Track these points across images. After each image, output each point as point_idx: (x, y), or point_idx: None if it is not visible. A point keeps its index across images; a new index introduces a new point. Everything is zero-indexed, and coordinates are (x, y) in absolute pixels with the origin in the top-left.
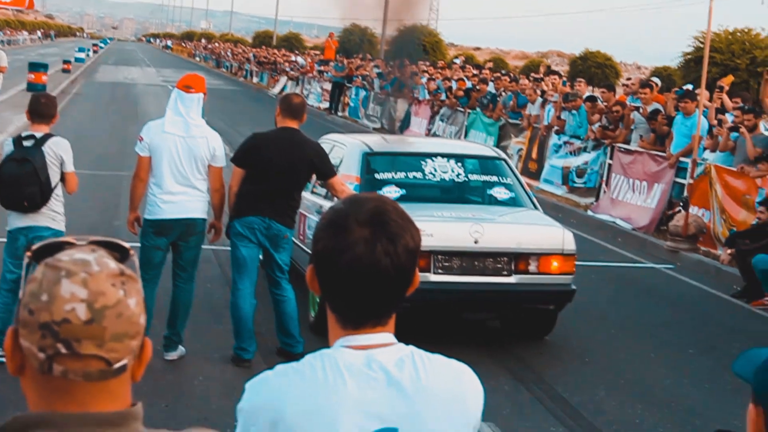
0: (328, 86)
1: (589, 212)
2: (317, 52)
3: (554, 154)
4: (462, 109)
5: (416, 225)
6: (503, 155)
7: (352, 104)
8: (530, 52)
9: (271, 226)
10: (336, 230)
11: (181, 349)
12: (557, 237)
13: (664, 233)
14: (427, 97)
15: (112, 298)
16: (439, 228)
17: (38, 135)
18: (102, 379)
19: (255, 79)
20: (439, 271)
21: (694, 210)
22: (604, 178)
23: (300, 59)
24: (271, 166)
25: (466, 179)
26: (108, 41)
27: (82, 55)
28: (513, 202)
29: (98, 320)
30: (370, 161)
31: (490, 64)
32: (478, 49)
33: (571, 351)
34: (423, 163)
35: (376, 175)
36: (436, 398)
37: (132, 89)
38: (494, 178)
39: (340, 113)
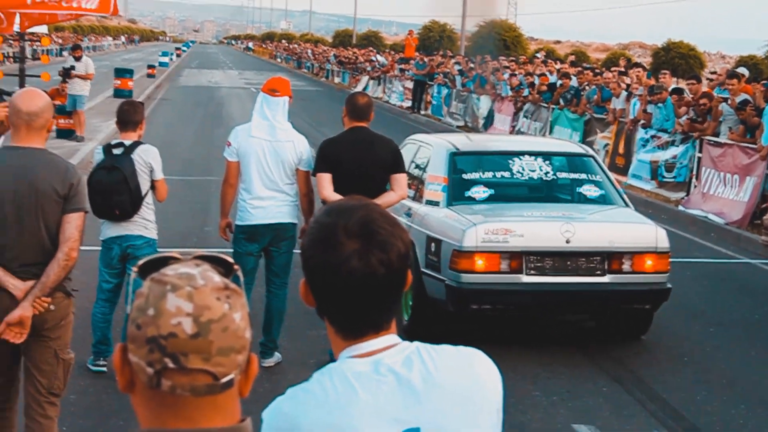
0: (409, 85)
1: (680, 207)
2: (398, 51)
3: (642, 148)
4: (546, 105)
5: (402, 226)
6: (591, 152)
7: (434, 102)
8: (611, 44)
9: None
10: (326, 245)
11: (277, 355)
12: (650, 235)
13: (759, 227)
14: (510, 93)
15: (217, 312)
16: (530, 228)
17: (127, 143)
18: (209, 393)
19: (336, 79)
20: (532, 272)
21: None
22: (694, 172)
23: (381, 58)
24: (350, 170)
25: (555, 177)
26: (190, 44)
27: (165, 59)
28: (603, 200)
29: (204, 334)
30: (457, 161)
31: (572, 58)
32: (558, 42)
33: (668, 350)
34: (510, 161)
35: (464, 176)
36: (451, 390)
37: (216, 92)
38: (583, 176)
39: (422, 112)
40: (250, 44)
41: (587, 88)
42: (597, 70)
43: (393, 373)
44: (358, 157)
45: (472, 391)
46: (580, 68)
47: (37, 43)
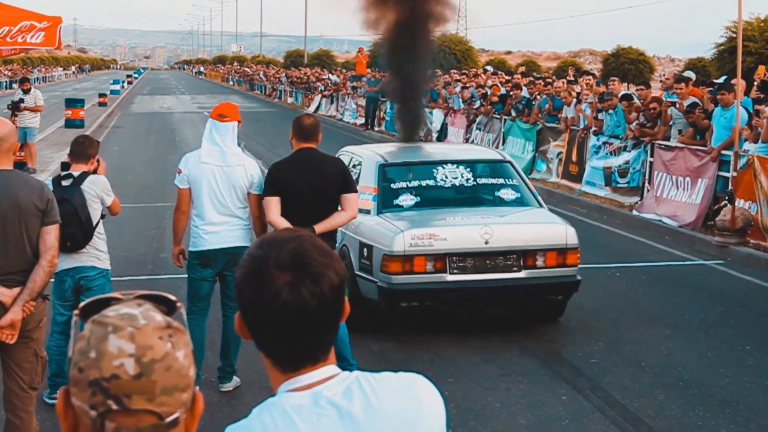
0: (362, 102)
1: (635, 212)
2: (349, 69)
3: (594, 155)
4: (498, 116)
5: (337, 256)
6: (508, 158)
7: (387, 118)
8: (562, 53)
9: None
10: (258, 279)
11: (236, 379)
12: (561, 233)
13: (712, 228)
14: (462, 106)
15: (160, 351)
16: (452, 232)
17: (75, 174)
18: None
19: (290, 99)
20: (455, 271)
21: (740, 203)
22: (647, 177)
23: (333, 76)
24: (300, 191)
25: (475, 183)
26: (141, 71)
27: (117, 87)
28: (520, 202)
29: (147, 374)
30: (386, 172)
31: (522, 69)
32: (509, 53)
33: (625, 355)
34: (434, 170)
35: (392, 185)
36: (393, 418)
37: (168, 118)
38: (501, 180)
39: (376, 128)
40: (202, 68)
41: (538, 97)
42: (548, 80)
43: (333, 405)
44: (307, 178)
45: (414, 417)
46: (530, 78)
47: None
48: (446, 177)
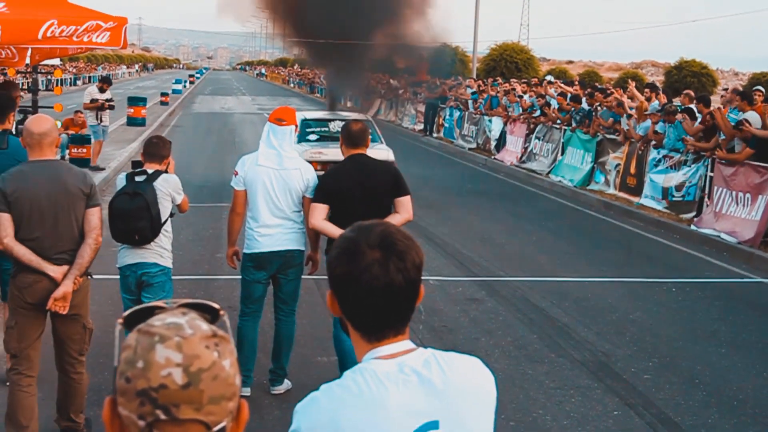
0: (422, 108)
1: (693, 227)
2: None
3: (653, 168)
4: (558, 126)
5: (417, 242)
6: (369, 118)
7: (446, 125)
8: (624, 64)
9: None
10: (351, 256)
11: (287, 382)
12: (385, 154)
13: None
14: (522, 115)
15: (207, 360)
16: (331, 151)
17: (150, 171)
18: None
19: (349, 103)
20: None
21: None
22: (706, 192)
23: (393, 81)
24: (353, 197)
25: None
26: (203, 71)
27: (179, 87)
28: (371, 140)
29: (195, 384)
30: (305, 123)
31: (577, 80)
32: (570, 62)
33: (680, 372)
34: (328, 124)
35: (306, 129)
36: (463, 389)
37: (229, 118)
38: None
39: (435, 135)
40: (263, 70)
41: (599, 108)
42: (609, 91)
43: (416, 373)
44: (358, 184)
45: (480, 391)
46: (590, 89)
47: (50, 75)
48: (333, 128)
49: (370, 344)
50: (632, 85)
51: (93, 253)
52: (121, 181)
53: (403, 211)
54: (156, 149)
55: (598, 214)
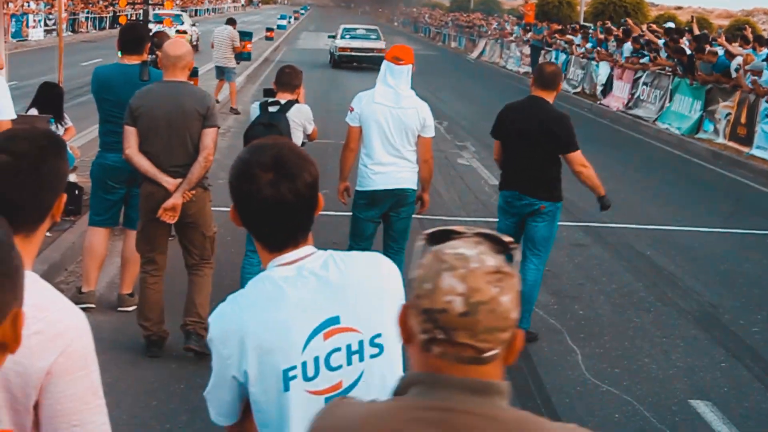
0: (527, 50)
1: None
2: (516, 16)
3: (765, 118)
4: (666, 73)
5: (312, 160)
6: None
7: None
8: (735, 11)
9: (523, 198)
10: (246, 177)
11: None
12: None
13: None
14: (629, 59)
15: (486, 294)
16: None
17: (282, 101)
18: (474, 363)
19: (453, 44)
20: None
21: None
22: None
23: (498, 23)
24: (513, 136)
25: None
26: (307, 7)
27: (283, 22)
28: None
29: (473, 313)
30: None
31: (694, 27)
32: (679, 8)
33: None
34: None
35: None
36: (362, 285)
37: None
38: None
39: None
40: (367, 8)
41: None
42: (714, 41)
43: (314, 274)
44: (522, 123)
45: (379, 285)
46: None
47: (160, 6)
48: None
49: (271, 254)
50: (748, 31)
51: (202, 170)
52: (254, 110)
53: (578, 173)
54: (289, 78)
55: (707, 164)
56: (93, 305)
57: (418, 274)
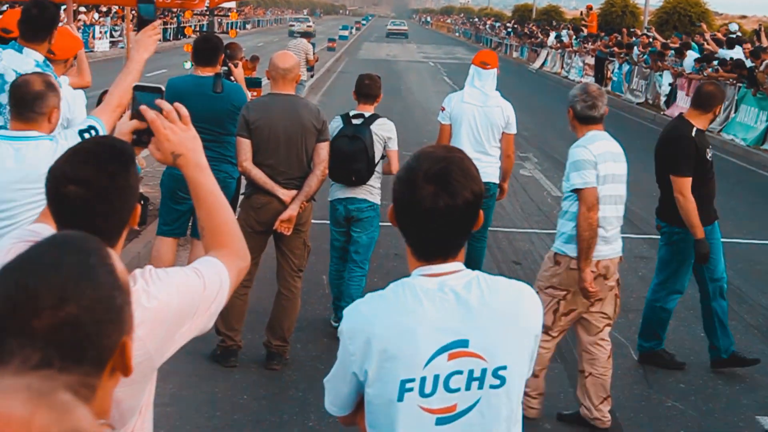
0: (591, 61)
1: None
2: (578, 26)
3: None
4: (731, 83)
5: (478, 179)
6: None
7: (615, 79)
8: None
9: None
10: (408, 185)
11: None
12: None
13: None
14: (694, 70)
15: None
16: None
17: (366, 114)
18: None
19: (515, 54)
20: None
21: None
22: None
23: (560, 33)
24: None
25: None
26: (369, 18)
27: (345, 33)
28: None
29: None
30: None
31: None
32: (744, 17)
33: None
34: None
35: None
36: (499, 311)
37: (394, 66)
38: None
39: (603, 88)
40: (428, 18)
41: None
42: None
43: (454, 293)
44: None
45: (518, 316)
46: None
47: (225, 17)
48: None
49: (418, 261)
50: None
51: (319, 183)
52: (336, 122)
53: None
54: (369, 90)
55: None
56: None
57: None
